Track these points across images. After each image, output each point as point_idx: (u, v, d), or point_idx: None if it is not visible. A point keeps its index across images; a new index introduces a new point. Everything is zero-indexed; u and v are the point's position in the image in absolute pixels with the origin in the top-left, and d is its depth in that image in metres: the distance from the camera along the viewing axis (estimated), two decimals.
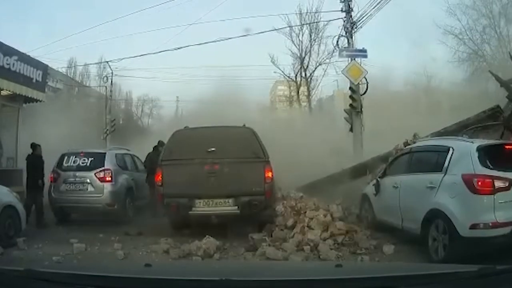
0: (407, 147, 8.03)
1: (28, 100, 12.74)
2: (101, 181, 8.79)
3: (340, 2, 13.25)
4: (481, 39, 24.21)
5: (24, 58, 11.96)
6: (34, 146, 8.95)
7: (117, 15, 68.91)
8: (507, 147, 5.52)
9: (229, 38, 23.90)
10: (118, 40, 67.04)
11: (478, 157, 5.10)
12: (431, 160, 6.07)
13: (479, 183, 4.90)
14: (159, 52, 27.50)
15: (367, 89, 12.74)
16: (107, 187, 8.78)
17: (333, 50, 16.15)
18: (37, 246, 6.64)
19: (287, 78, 34.00)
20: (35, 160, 8.79)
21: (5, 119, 12.45)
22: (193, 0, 43.47)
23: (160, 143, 10.17)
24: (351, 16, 13.13)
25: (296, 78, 33.44)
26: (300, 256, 5.82)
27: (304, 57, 32.18)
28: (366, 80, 12.50)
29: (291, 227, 6.68)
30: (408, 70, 20.19)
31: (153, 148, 10.13)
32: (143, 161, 10.63)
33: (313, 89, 31.79)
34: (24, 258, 5.99)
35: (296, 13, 30.74)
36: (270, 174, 7.06)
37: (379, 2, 12.28)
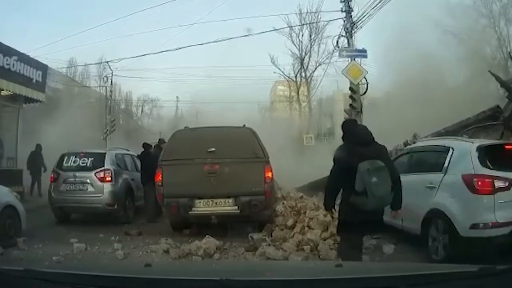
0: (407, 147, 8.02)
1: (28, 100, 12.77)
2: (101, 181, 8.78)
3: (340, 2, 13.25)
4: (481, 39, 24.22)
5: (24, 59, 11.98)
6: (146, 145, 9.77)
7: (117, 15, 69.01)
8: (507, 147, 5.51)
9: (230, 38, 23.97)
10: (118, 40, 66.98)
11: (478, 157, 5.10)
12: (431, 160, 6.07)
13: (479, 183, 4.90)
14: (159, 52, 27.46)
15: (367, 89, 12.74)
16: (107, 187, 8.78)
17: (333, 50, 16.12)
18: (37, 246, 6.64)
19: (287, 78, 34.08)
20: (149, 158, 9.13)
21: (5, 119, 12.46)
22: (193, 0, 43.52)
23: (161, 141, 10.20)
24: (351, 16, 13.12)
25: (296, 78, 33.51)
26: (300, 256, 5.81)
27: (304, 57, 32.27)
28: (366, 80, 12.50)
29: (291, 227, 6.68)
30: (407, 70, 20.13)
31: (154, 146, 10.16)
32: None
33: (313, 89, 31.84)
34: (24, 258, 5.99)
35: (296, 13, 30.90)
36: (270, 174, 7.06)
37: (379, 2, 12.26)
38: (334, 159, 4.16)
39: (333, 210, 4.34)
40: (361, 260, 4.32)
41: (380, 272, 2.02)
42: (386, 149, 4.37)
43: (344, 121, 4.79)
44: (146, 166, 9.15)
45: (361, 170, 3.84)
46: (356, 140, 4.16)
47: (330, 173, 4.20)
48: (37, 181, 12.81)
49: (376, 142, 4.27)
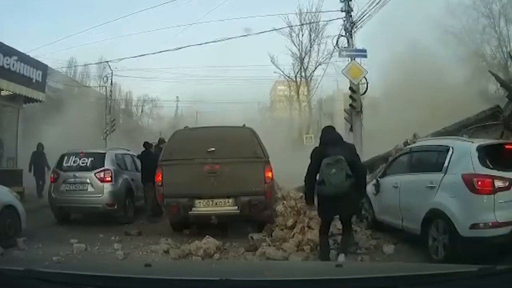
0: (407, 147, 8.02)
1: (28, 100, 12.76)
2: (101, 181, 8.78)
3: (340, 2, 13.23)
4: (481, 39, 24.24)
5: (24, 59, 11.97)
6: (147, 145, 9.96)
7: (117, 15, 69.03)
8: (507, 147, 5.51)
9: (229, 38, 24.02)
10: (118, 40, 67.08)
11: (478, 157, 5.09)
12: (431, 160, 6.07)
13: (479, 183, 4.89)
14: (159, 52, 27.48)
15: (367, 89, 12.73)
16: (107, 187, 8.78)
17: (333, 50, 16.11)
18: (37, 246, 6.65)
19: (287, 78, 34.11)
20: (149, 157, 9.14)
21: (5, 119, 12.45)
22: (193, 0, 43.51)
23: (161, 141, 10.19)
24: (351, 16, 13.11)
25: (296, 78, 33.54)
26: (300, 256, 5.82)
27: (304, 57, 32.32)
28: (366, 80, 12.49)
29: (291, 227, 6.68)
30: (407, 69, 20.14)
31: (154, 146, 10.16)
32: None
33: (313, 89, 31.86)
34: (24, 258, 5.99)
35: (296, 13, 30.95)
36: (270, 174, 7.05)
37: (379, 2, 12.25)
38: (310, 157, 5.15)
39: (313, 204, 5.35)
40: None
41: (380, 272, 2.01)
42: (354, 146, 5.51)
43: (322, 128, 5.68)
44: (146, 166, 9.18)
45: (322, 165, 4.89)
46: (325, 141, 5.22)
47: (307, 168, 5.13)
48: (41, 180, 12.68)
49: (345, 142, 5.48)
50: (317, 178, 4.96)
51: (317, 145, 5.47)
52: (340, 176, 4.83)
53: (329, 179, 4.84)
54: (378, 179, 7.36)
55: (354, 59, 12.50)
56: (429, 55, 21.12)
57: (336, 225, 6.51)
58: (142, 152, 9.89)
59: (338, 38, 13.49)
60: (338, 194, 4.88)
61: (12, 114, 12.73)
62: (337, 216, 5.55)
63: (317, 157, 5.04)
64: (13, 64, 11.34)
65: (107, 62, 25.24)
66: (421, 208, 5.57)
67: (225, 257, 6.05)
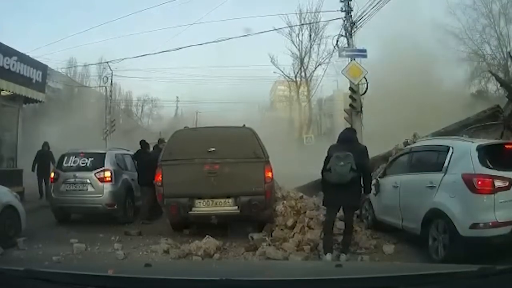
0: (407, 147, 8.02)
1: (28, 100, 12.74)
2: (101, 181, 8.76)
3: (340, 1, 13.22)
4: (481, 39, 24.25)
5: (24, 59, 11.96)
6: (143, 143, 9.69)
7: (117, 15, 69.06)
8: (507, 147, 5.50)
9: (230, 38, 24.06)
10: (118, 40, 67.11)
11: (478, 157, 5.10)
12: (431, 159, 6.07)
13: (479, 182, 4.90)
14: (159, 52, 27.50)
15: (367, 89, 12.72)
16: (107, 187, 8.76)
17: (333, 50, 16.09)
18: (37, 246, 6.64)
19: (287, 78, 34.16)
20: (146, 157, 9.05)
21: (5, 119, 12.44)
22: (193, 0, 43.53)
23: (160, 141, 10.16)
24: (350, 16, 13.09)
25: (296, 78, 33.58)
26: (300, 256, 5.82)
27: (304, 57, 32.38)
28: (366, 80, 12.48)
29: (291, 227, 6.68)
30: (407, 70, 20.16)
31: (154, 147, 10.12)
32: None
33: (313, 89, 31.90)
34: (24, 258, 5.99)
35: (296, 13, 31.02)
36: (270, 174, 7.06)
37: (379, 2, 12.23)
38: (327, 152, 5.81)
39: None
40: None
41: (380, 272, 2.02)
42: (365, 147, 5.95)
43: (343, 129, 6.44)
44: (141, 167, 9.08)
45: (332, 157, 5.54)
46: (340, 139, 5.91)
47: (324, 161, 5.77)
48: (45, 180, 12.47)
49: (359, 143, 6.10)
50: (327, 166, 5.62)
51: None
52: (346, 167, 5.44)
53: (335, 168, 5.47)
54: (378, 179, 7.36)
55: (354, 59, 12.48)
56: (429, 55, 21.15)
57: (337, 225, 6.52)
58: (137, 151, 9.63)
59: (338, 38, 13.47)
60: (341, 183, 5.45)
61: (12, 114, 12.70)
62: (339, 209, 5.87)
63: (331, 151, 5.71)
64: (13, 64, 11.32)
65: (107, 62, 25.26)
66: (421, 208, 5.58)
67: (225, 257, 6.05)
